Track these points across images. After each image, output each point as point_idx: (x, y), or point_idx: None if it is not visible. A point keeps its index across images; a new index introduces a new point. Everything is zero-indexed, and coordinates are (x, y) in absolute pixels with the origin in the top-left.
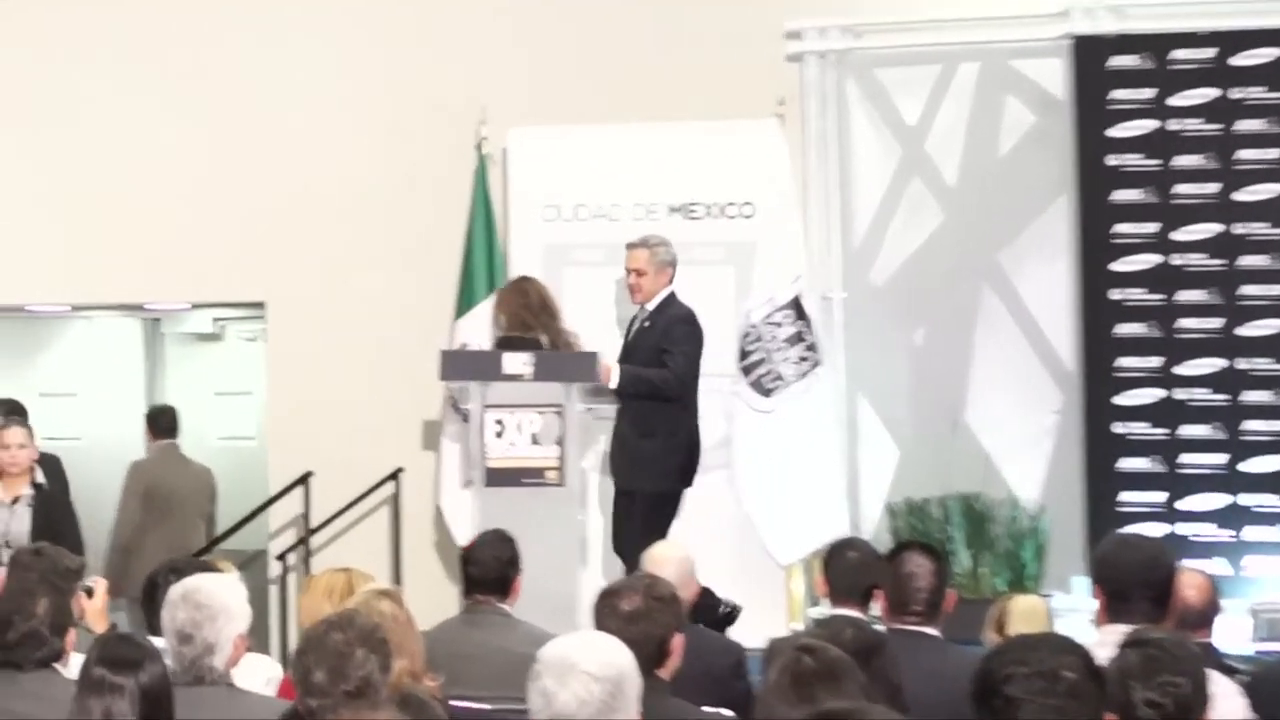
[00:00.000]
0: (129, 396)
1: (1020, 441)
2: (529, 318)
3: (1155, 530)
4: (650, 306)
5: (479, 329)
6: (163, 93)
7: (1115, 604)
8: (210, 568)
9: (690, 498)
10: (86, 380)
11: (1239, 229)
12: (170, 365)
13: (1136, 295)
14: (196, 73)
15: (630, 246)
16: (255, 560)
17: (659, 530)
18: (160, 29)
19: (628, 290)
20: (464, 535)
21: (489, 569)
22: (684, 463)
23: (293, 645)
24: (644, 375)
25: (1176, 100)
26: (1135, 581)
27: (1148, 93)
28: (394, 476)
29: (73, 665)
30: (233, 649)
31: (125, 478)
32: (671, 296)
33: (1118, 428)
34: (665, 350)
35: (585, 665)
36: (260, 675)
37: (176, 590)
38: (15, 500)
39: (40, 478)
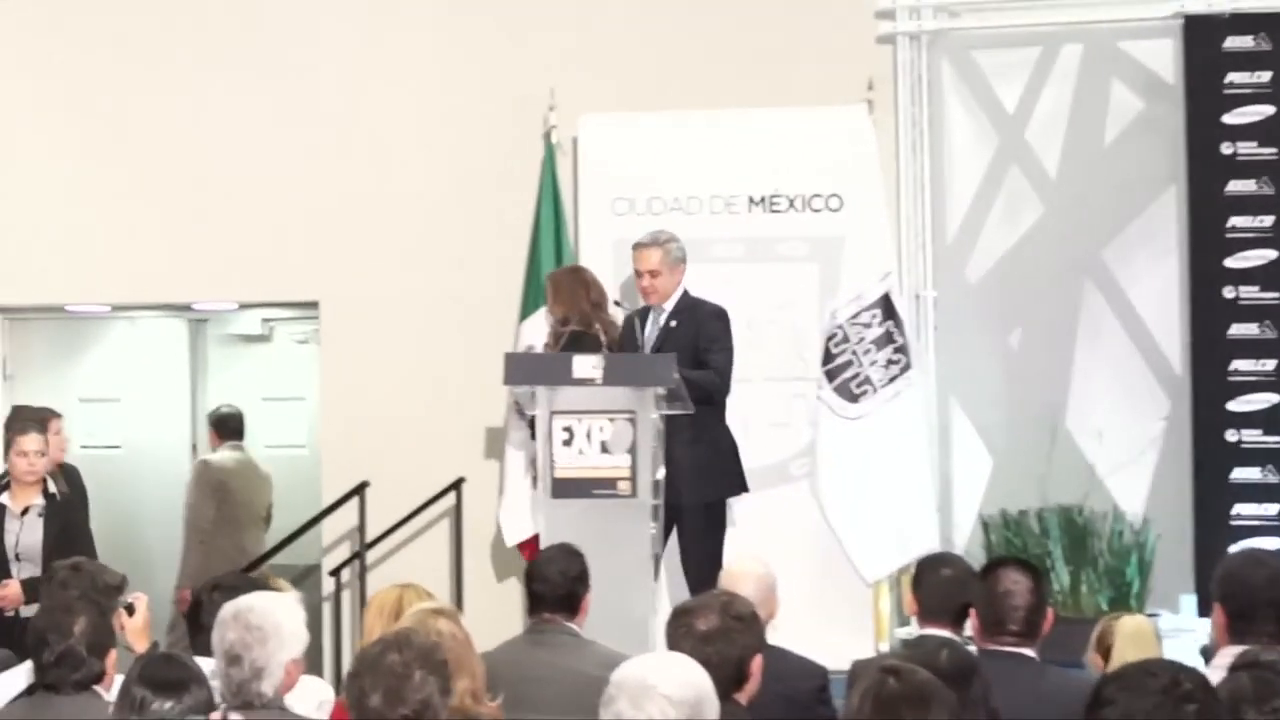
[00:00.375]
0: (173, 401)
1: (1124, 450)
2: (590, 312)
3: (1271, 545)
4: (667, 306)
5: (546, 330)
6: (208, 83)
7: (1238, 624)
8: (262, 585)
9: (771, 510)
10: (128, 384)
11: None
12: (217, 369)
13: (1252, 293)
14: (242, 63)
15: (641, 246)
16: (308, 576)
17: (716, 543)
18: (209, 21)
19: (640, 293)
20: (515, 537)
21: (556, 586)
22: (734, 468)
23: (347, 666)
24: (692, 378)
25: None
26: (1261, 600)
27: (1265, 76)
28: (455, 487)
29: (115, 688)
30: (284, 674)
31: (194, 475)
32: (686, 293)
33: (1231, 435)
34: (705, 349)
35: (663, 688)
36: (312, 699)
37: (228, 609)
38: (26, 510)
39: (54, 487)
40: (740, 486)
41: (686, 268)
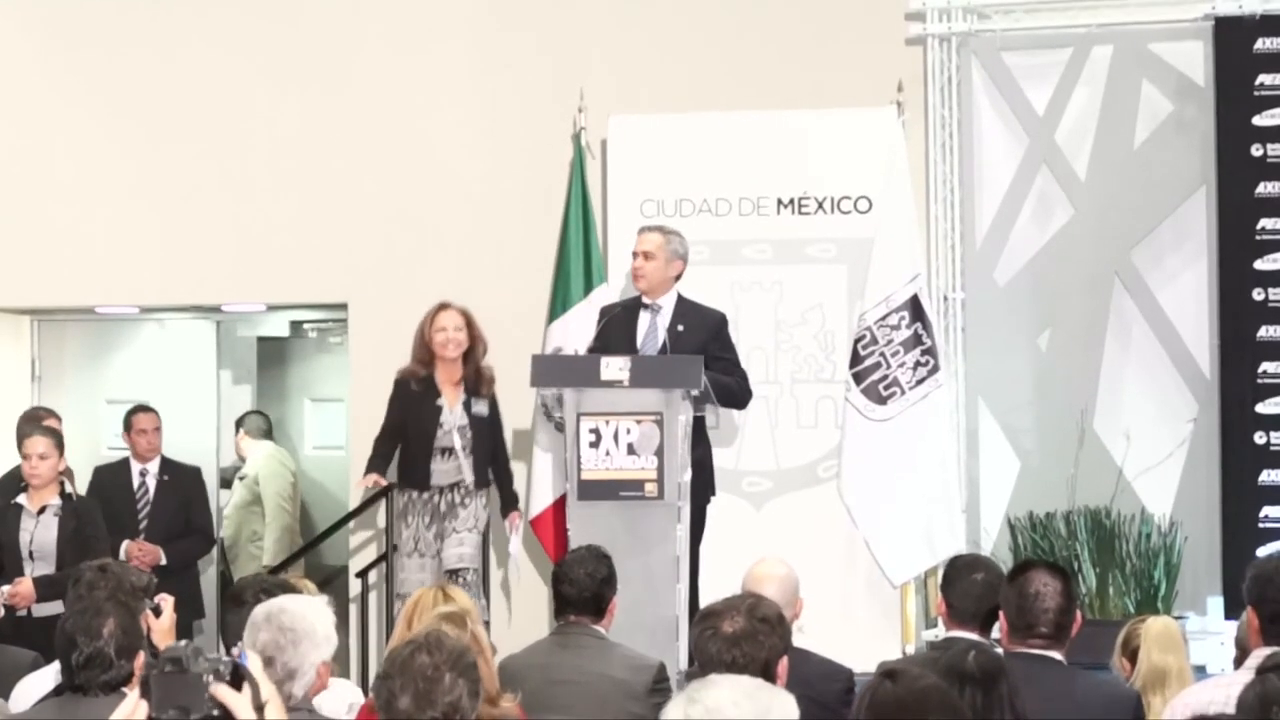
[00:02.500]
0: (201, 403)
1: (1153, 452)
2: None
3: None
4: (665, 305)
5: (574, 332)
6: (238, 86)
7: (1272, 627)
8: (290, 587)
9: (798, 512)
10: (157, 386)
11: None
12: (247, 370)
13: None
14: (272, 66)
15: (643, 230)
16: (338, 577)
17: (696, 548)
18: (241, 25)
19: (632, 275)
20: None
21: (583, 588)
22: (711, 471)
23: (374, 668)
24: (724, 382)
25: None
26: None
27: None
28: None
29: None
30: (315, 676)
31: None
32: (681, 295)
33: (1259, 438)
34: (718, 356)
35: None
36: (340, 701)
37: (260, 611)
38: (42, 510)
39: (70, 488)
40: (712, 490)
41: (684, 271)
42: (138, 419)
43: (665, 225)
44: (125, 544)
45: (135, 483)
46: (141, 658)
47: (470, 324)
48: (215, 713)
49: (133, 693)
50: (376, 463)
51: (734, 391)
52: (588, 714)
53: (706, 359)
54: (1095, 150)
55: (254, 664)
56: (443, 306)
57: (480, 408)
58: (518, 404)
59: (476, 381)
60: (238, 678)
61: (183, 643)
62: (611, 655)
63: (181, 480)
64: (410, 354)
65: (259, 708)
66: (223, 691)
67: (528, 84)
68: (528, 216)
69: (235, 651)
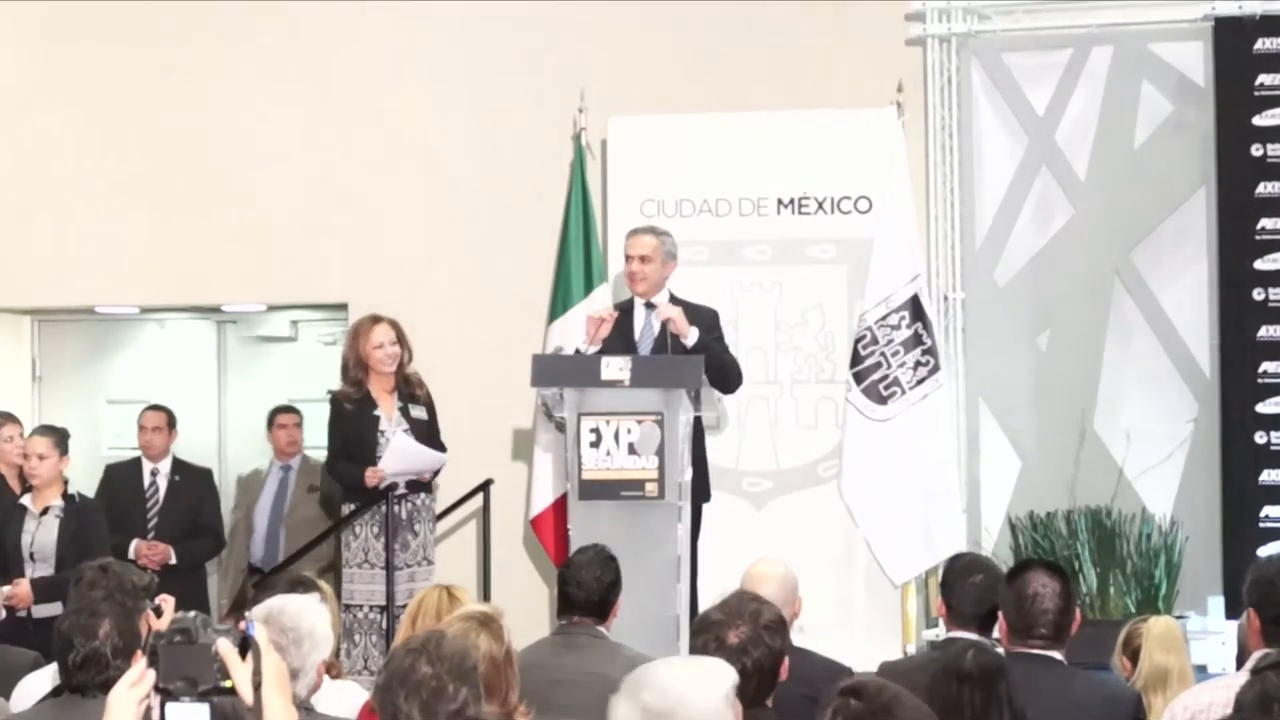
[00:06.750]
0: (201, 403)
1: (1153, 452)
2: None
3: None
4: (657, 302)
5: (575, 332)
6: (238, 87)
7: (1274, 630)
8: (317, 586)
9: (799, 512)
10: (157, 386)
11: None
12: (245, 370)
13: None
14: (272, 67)
15: (635, 233)
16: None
17: (693, 548)
18: (239, 25)
19: (628, 279)
20: None
21: (590, 590)
22: (706, 474)
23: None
24: (717, 350)
25: None
26: None
27: None
28: (483, 488)
29: None
30: (316, 675)
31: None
32: (673, 294)
33: (1259, 437)
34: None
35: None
36: (347, 701)
37: (259, 612)
38: (44, 511)
39: (73, 489)
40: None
41: (675, 269)
42: (144, 416)
43: (655, 226)
44: (134, 543)
45: (146, 482)
46: (138, 656)
47: (400, 335)
48: (224, 684)
49: (140, 661)
50: (355, 475)
51: (728, 366)
52: (588, 714)
53: (705, 342)
54: (1095, 150)
55: (261, 636)
56: (375, 320)
57: (419, 412)
58: (518, 404)
59: (408, 387)
60: (244, 649)
61: (191, 614)
62: (613, 656)
63: (192, 481)
64: (342, 371)
65: (256, 685)
66: (227, 650)
67: (528, 84)
68: (528, 217)
69: (243, 624)
